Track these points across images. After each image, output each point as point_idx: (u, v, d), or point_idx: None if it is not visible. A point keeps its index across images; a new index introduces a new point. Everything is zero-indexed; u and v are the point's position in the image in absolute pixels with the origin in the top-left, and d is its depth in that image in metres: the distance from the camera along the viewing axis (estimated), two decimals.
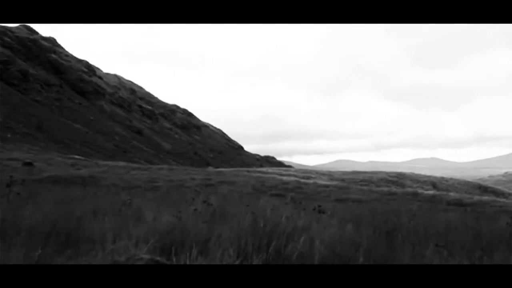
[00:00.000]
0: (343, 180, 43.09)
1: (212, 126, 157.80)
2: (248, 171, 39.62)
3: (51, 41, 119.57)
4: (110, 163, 35.67)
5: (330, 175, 48.88)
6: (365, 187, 30.20)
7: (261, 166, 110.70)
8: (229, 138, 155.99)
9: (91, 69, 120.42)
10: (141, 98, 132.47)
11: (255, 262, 3.77)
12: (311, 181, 31.58)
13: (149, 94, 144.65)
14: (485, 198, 26.73)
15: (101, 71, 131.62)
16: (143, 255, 3.72)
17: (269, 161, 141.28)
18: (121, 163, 35.88)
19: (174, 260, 3.68)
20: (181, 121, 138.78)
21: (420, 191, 29.36)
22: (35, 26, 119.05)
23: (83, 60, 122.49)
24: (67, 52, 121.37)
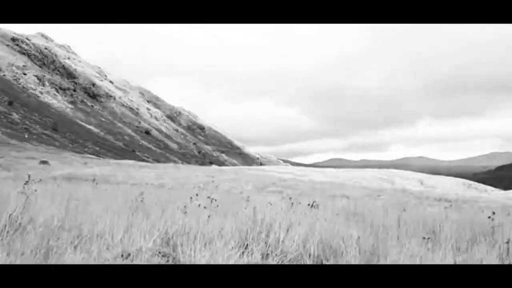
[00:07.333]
0: (337, 177, 43.07)
1: (215, 127, 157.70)
2: (248, 169, 39.64)
3: (65, 48, 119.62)
4: (120, 161, 35.68)
5: (325, 172, 48.88)
6: (357, 184, 30.20)
7: (261, 164, 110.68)
8: (231, 138, 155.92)
9: (102, 74, 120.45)
10: (149, 101, 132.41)
11: (254, 253, 3.78)
12: (307, 178, 31.58)
13: (156, 97, 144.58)
14: (469, 194, 26.74)
15: (112, 75, 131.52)
16: (150, 247, 3.73)
17: (268, 159, 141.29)
18: (130, 162, 35.88)
19: (179, 251, 3.68)
20: (187, 122, 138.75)
21: (408, 187, 29.38)
22: (50, 34, 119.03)
23: (95, 66, 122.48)
24: (80, 58, 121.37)
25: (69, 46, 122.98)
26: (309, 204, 5.44)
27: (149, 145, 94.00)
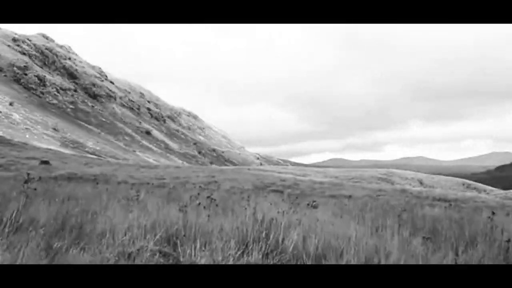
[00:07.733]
0: (336, 177, 43.04)
1: (215, 127, 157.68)
2: (248, 169, 39.61)
3: (66, 48, 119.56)
4: (120, 161, 35.65)
5: (324, 172, 48.86)
6: (357, 184, 30.18)
7: (261, 164, 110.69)
8: (231, 138, 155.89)
9: (103, 74, 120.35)
10: (149, 101, 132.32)
11: (254, 253, 3.76)
12: (307, 178, 31.55)
13: (157, 97, 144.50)
14: (468, 194, 26.71)
15: (113, 75, 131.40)
16: (151, 246, 3.72)
17: (268, 159, 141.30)
18: (131, 162, 35.84)
19: (180, 251, 3.67)
20: (187, 122, 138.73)
21: (408, 187, 29.34)
22: (51, 34, 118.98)
23: (95, 66, 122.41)
24: (81, 58, 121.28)
25: (69, 47, 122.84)
26: (309, 204, 5.43)
27: (150, 145, 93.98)
